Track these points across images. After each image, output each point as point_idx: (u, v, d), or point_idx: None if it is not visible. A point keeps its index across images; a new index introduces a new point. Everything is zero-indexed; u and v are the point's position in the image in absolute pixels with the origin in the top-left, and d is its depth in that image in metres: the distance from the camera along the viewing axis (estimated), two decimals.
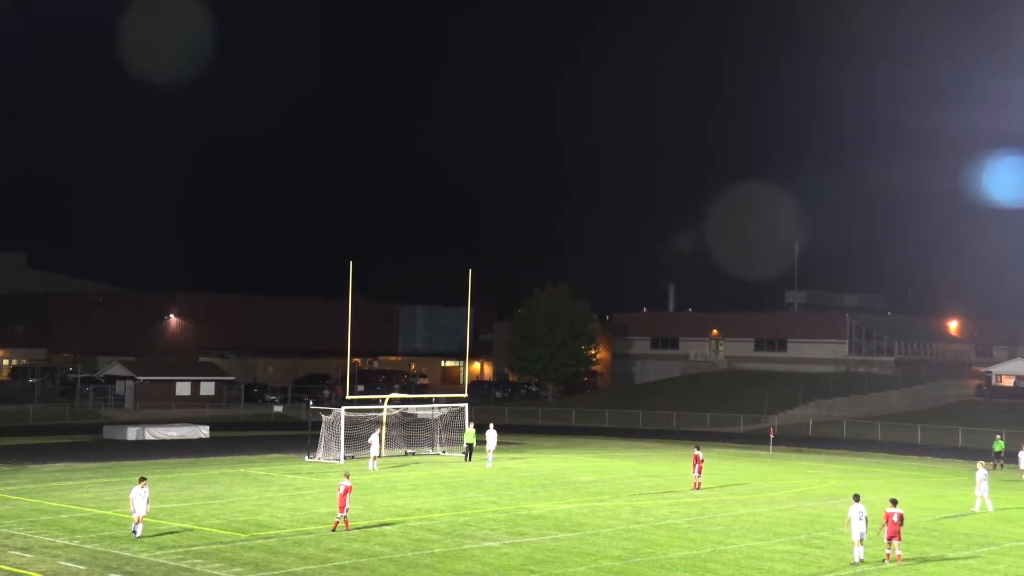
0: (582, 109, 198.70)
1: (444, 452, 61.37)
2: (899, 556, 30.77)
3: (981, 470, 43.03)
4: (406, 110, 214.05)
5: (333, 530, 34.32)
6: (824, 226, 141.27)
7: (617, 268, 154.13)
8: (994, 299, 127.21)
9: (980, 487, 42.49)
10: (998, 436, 64.72)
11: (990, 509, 41.95)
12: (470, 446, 58.37)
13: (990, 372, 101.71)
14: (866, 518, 30.82)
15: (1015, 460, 58.28)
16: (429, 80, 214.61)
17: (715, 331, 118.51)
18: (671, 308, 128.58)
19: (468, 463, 56.78)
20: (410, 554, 31.12)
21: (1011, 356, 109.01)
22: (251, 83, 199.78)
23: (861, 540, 30.74)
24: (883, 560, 30.87)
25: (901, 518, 30.90)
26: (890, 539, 30.76)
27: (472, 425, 60.21)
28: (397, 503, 41.00)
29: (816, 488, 49.83)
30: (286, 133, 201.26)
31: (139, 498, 32.70)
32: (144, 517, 32.95)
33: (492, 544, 32.94)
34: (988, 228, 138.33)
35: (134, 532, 32.80)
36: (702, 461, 47.75)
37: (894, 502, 31.35)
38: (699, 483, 47.19)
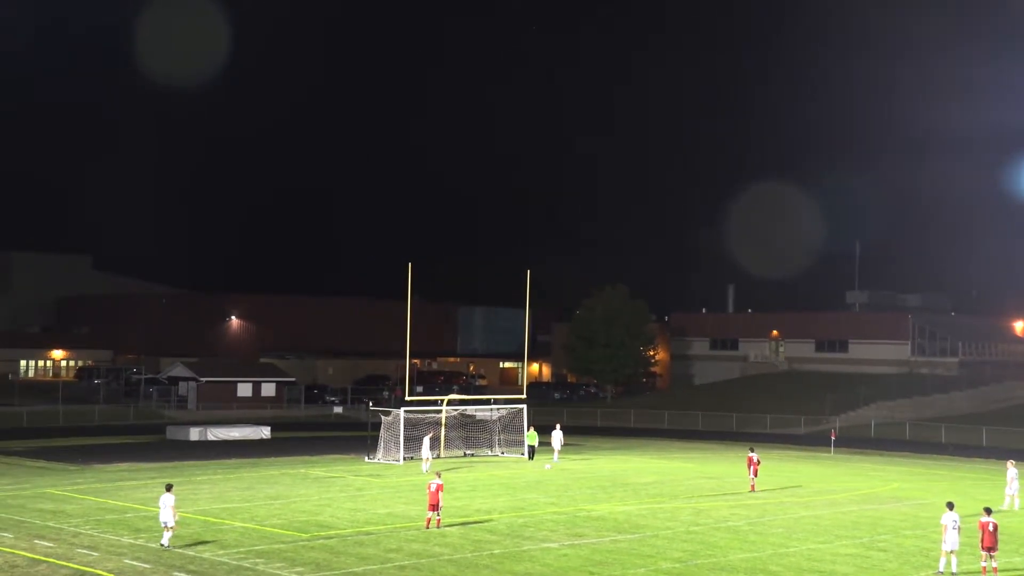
0: (627, 108, 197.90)
1: (503, 453, 61.47)
2: (995, 568, 29.22)
3: (1012, 469, 42.88)
4: (484, 106, 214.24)
5: (427, 527, 35.13)
6: (879, 226, 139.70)
7: (676, 268, 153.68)
8: None
9: (1011, 485, 42.63)
10: None
11: (1016, 507, 41.87)
12: (532, 447, 58.52)
13: None
14: (959, 527, 29.61)
15: None
16: (440, 78, 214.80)
17: (775, 332, 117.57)
18: (730, 309, 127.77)
19: (530, 463, 56.81)
20: (469, 555, 31.22)
21: None
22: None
23: (953, 551, 29.49)
24: (979, 573, 29.51)
25: (996, 527, 29.27)
26: (987, 549, 29.04)
27: (533, 427, 60.35)
28: (456, 504, 41.11)
29: (878, 491, 49.29)
30: (328, 133, 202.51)
31: (164, 506, 31.48)
32: (173, 527, 31.72)
33: (551, 545, 32.97)
34: None
35: (164, 543, 31.49)
36: (757, 463, 47.45)
37: (988, 511, 29.72)
38: (754, 485, 46.89)
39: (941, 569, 29.85)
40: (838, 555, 32.30)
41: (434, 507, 35.40)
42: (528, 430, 59.92)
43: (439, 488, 35.59)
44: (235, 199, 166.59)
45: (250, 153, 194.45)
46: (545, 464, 55.55)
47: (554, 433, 57.62)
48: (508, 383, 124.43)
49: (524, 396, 65.97)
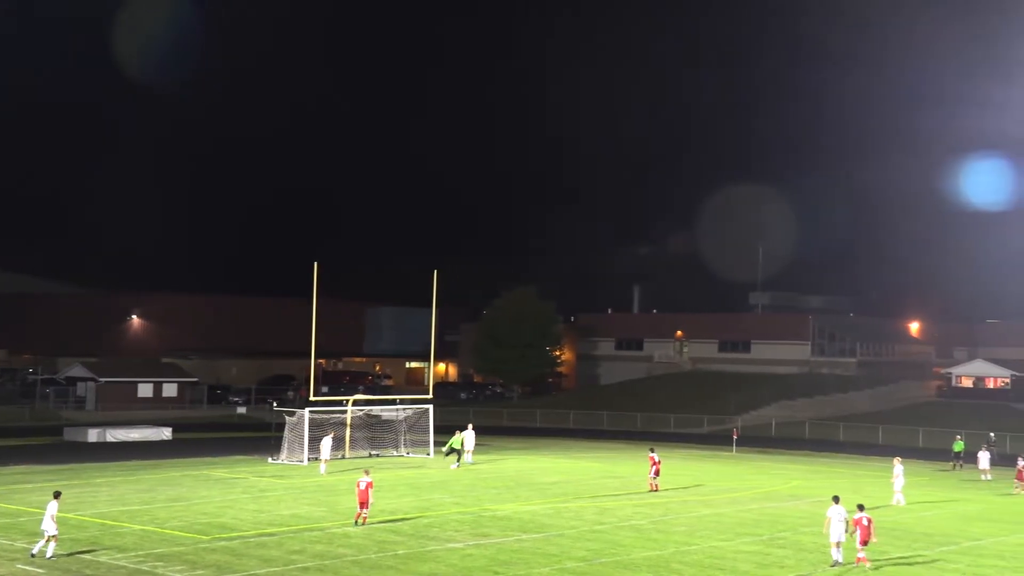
0: (547, 109, 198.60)
1: (408, 453, 61.22)
2: (865, 559, 30.64)
3: (898, 465, 44.38)
4: (402, 109, 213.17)
5: (356, 524, 35.70)
6: (788, 228, 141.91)
7: (583, 270, 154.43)
8: (955, 301, 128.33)
9: (897, 481, 44.02)
10: (958, 437, 65.24)
11: (902, 503, 43.36)
12: (455, 450, 57.28)
13: (950, 373, 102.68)
14: (845, 520, 30.83)
15: (975, 460, 58.80)
16: (428, 78, 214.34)
17: (679, 332, 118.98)
18: (636, 309, 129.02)
19: (448, 463, 56.01)
20: (374, 556, 31.05)
21: (971, 357, 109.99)
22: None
23: (839, 543, 30.77)
24: (853, 563, 30.69)
25: (871, 522, 30.76)
26: (864, 543, 30.54)
27: (459, 431, 59.17)
28: None
29: (779, 488, 50.13)
30: (266, 137, 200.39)
31: (47, 514, 29.99)
32: (54, 536, 29.89)
33: (456, 545, 32.93)
34: (952, 230, 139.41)
35: (34, 552, 30.01)
36: (658, 463, 47.73)
37: (861, 507, 31.21)
38: (656, 485, 47.19)
39: (835, 558, 30.89)
40: (739, 552, 32.76)
41: (364, 504, 35.87)
42: (457, 434, 58.59)
43: (369, 486, 35.97)
44: (142, 197, 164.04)
45: (164, 150, 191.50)
46: (452, 464, 55.40)
47: (466, 434, 57.40)
48: (415, 383, 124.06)
49: (430, 396, 65.78)
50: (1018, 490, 49.88)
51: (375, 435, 61.96)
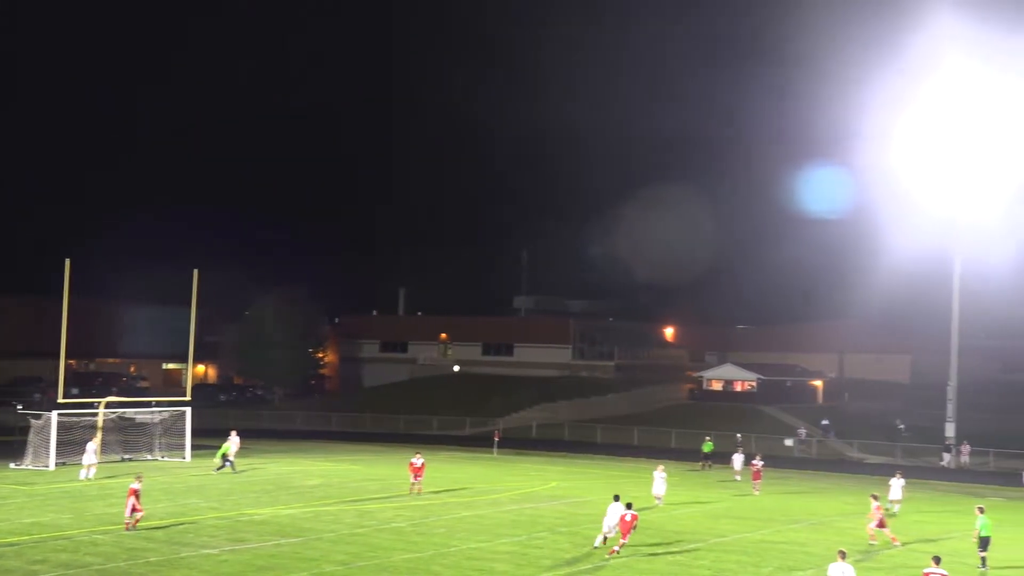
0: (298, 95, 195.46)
1: (163, 457, 59.37)
2: (615, 550, 32.82)
3: (659, 473, 46.27)
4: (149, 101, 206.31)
5: (126, 529, 35.04)
6: (547, 230, 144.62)
7: (348, 271, 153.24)
8: (708, 306, 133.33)
9: (658, 486, 45.72)
10: (707, 438, 68.11)
11: (662, 505, 45.18)
12: (224, 455, 55.54)
13: (702, 377, 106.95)
14: (621, 516, 33.43)
15: (726, 461, 61.36)
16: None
17: (444, 335, 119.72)
18: (401, 312, 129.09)
19: (226, 472, 54.22)
20: (123, 564, 29.86)
21: (720, 362, 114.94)
22: None
23: (608, 532, 33.77)
24: (610, 553, 32.88)
25: (635, 519, 33.50)
26: (624, 536, 33.22)
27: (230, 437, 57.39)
28: (111, 511, 39.22)
29: (538, 490, 51.03)
30: None
31: None
32: None
33: (211, 551, 32.05)
34: (713, 235, 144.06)
35: None
36: (420, 467, 47.38)
37: (629, 506, 33.51)
38: (419, 488, 47.03)
39: (596, 544, 33.80)
40: (497, 553, 33.13)
41: (135, 509, 35.34)
42: (229, 439, 56.73)
43: (132, 492, 35.45)
44: None
45: None
46: (216, 468, 53.96)
47: (231, 438, 56.08)
48: (172, 385, 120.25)
49: (188, 398, 63.98)
50: (756, 491, 52.30)
51: (129, 438, 59.88)
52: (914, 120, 67.71)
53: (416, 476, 47.17)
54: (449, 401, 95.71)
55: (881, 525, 37.30)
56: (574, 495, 48.70)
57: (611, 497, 35.11)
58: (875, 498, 38.55)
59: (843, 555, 25.45)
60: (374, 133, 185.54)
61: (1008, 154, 67.13)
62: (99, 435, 56.85)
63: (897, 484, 46.18)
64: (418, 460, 47.50)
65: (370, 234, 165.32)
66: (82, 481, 48.48)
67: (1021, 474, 63.00)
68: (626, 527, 33.04)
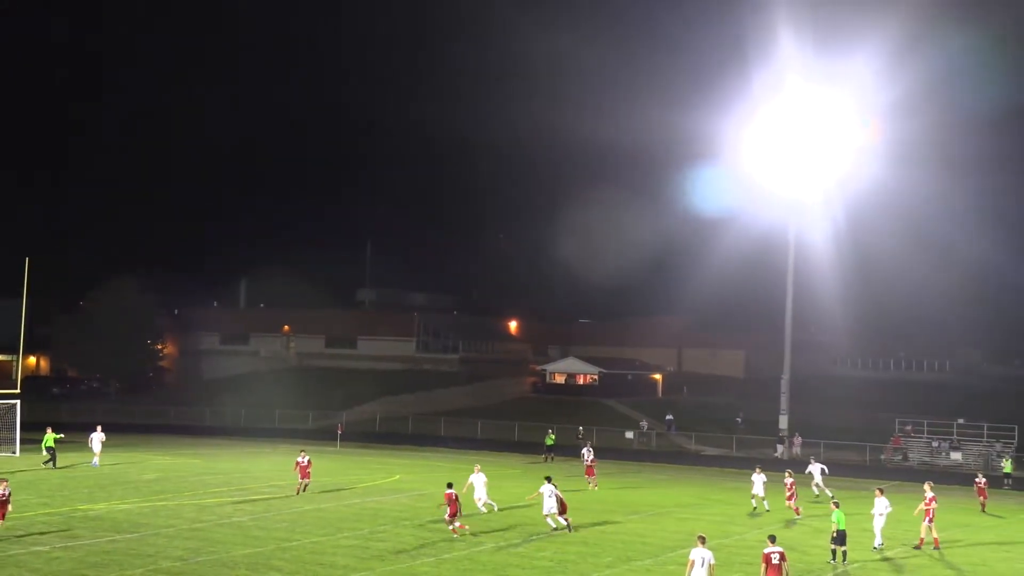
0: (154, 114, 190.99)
1: None
2: (455, 530, 35.20)
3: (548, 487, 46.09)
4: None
5: None
6: (387, 224, 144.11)
7: (188, 261, 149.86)
8: (551, 301, 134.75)
9: (478, 490, 43.88)
10: (550, 431, 69.01)
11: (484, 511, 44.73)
12: (51, 449, 53.73)
13: (545, 370, 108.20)
14: (556, 496, 36.65)
15: (571, 454, 62.09)
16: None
17: (286, 328, 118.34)
18: (242, 304, 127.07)
19: (54, 468, 52.52)
20: None
21: (563, 355, 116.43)
22: None
23: (549, 514, 36.73)
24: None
25: (457, 498, 35.62)
26: (452, 516, 35.25)
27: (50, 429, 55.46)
28: None
29: (380, 483, 50.97)
30: None
31: None
32: None
33: (41, 548, 31.12)
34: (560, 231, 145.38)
35: None
36: (307, 465, 45.03)
37: (450, 485, 35.90)
38: (305, 488, 45.06)
39: (552, 525, 36.84)
40: (339, 547, 32.99)
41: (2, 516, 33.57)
42: (47, 432, 54.81)
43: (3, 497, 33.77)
44: None
45: None
46: (93, 461, 52.74)
47: (94, 435, 54.58)
48: (1, 378, 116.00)
49: (18, 391, 61.78)
50: (592, 485, 52.27)
51: None
52: (759, 129, 70.48)
53: (303, 476, 44.74)
54: (291, 394, 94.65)
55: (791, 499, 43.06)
56: (417, 488, 48.80)
57: (544, 479, 37.83)
58: (789, 474, 43.85)
59: (703, 540, 25.68)
60: (233, 124, 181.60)
61: (834, 156, 70.54)
62: None
63: (816, 468, 49.83)
64: (303, 459, 45.10)
65: (206, 225, 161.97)
66: None
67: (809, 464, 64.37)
68: (453, 507, 35.04)
